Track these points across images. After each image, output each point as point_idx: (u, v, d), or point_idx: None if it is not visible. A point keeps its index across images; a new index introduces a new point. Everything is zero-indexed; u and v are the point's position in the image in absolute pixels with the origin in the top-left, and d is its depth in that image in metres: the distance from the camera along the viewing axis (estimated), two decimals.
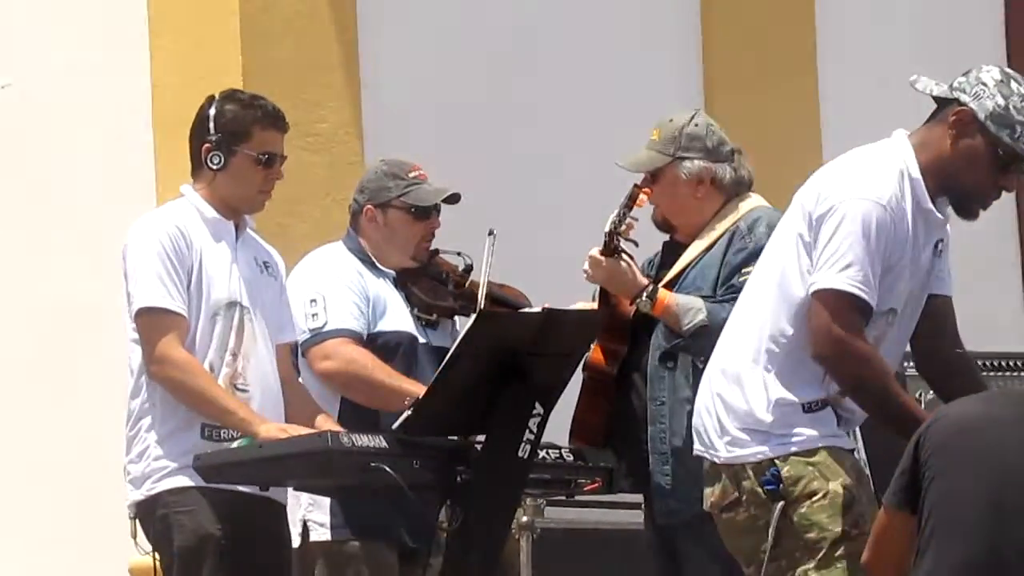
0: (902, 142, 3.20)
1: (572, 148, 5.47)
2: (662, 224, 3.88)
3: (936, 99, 3.18)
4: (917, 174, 3.15)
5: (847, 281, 3.02)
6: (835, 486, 3.07)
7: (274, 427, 3.24)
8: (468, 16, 5.48)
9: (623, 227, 3.75)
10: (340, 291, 3.79)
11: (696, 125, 3.83)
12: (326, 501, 3.70)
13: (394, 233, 3.84)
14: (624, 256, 3.80)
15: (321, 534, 3.75)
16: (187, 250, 3.26)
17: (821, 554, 3.04)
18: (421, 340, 3.87)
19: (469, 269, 3.98)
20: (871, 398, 3.07)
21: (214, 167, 3.25)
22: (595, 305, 3.84)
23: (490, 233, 3.93)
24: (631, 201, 3.74)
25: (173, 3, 5.33)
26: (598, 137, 5.32)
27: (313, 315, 3.76)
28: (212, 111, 3.30)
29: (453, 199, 3.89)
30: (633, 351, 3.79)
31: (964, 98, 3.12)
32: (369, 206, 3.83)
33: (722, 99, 5.71)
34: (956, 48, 6.21)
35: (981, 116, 3.08)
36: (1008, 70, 3.21)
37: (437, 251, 3.97)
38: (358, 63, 5.28)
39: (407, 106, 5.33)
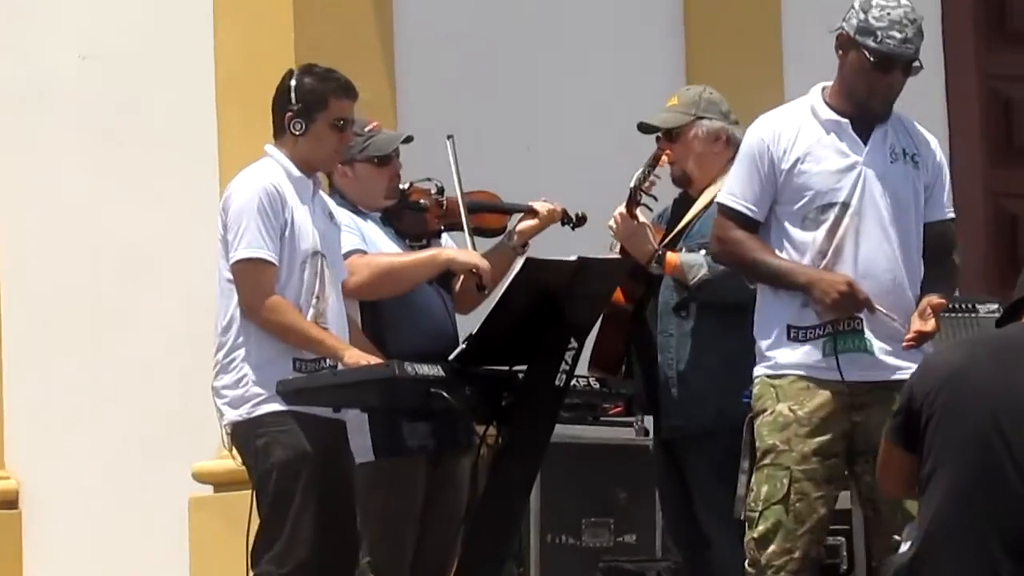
0: None
1: (582, 110, 5.82)
2: (680, 179, 4.04)
3: None
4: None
5: None
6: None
7: (356, 353, 3.41)
8: None
9: (646, 184, 3.94)
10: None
11: (711, 93, 4.08)
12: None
13: (364, 183, 3.95)
14: (642, 219, 3.98)
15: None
16: (281, 206, 3.42)
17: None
18: None
19: (441, 190, 4.07)
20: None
21: (296, 132, 3.44)
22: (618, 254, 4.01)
23: (448, 138, 4.05)
24: (655, 160, 3.94)
25: None
26: (602, 107, 5.80)
27: None
28: (293, 83, 3.46)
29: (407, 140, 4.02)
30: (647, 291, 3.99)
31: (844, 25, 3.45)
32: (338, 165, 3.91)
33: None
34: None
35: (851, 33, 3.43)
36: None
37: (410, 184, 4.03)
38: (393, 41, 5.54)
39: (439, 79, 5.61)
